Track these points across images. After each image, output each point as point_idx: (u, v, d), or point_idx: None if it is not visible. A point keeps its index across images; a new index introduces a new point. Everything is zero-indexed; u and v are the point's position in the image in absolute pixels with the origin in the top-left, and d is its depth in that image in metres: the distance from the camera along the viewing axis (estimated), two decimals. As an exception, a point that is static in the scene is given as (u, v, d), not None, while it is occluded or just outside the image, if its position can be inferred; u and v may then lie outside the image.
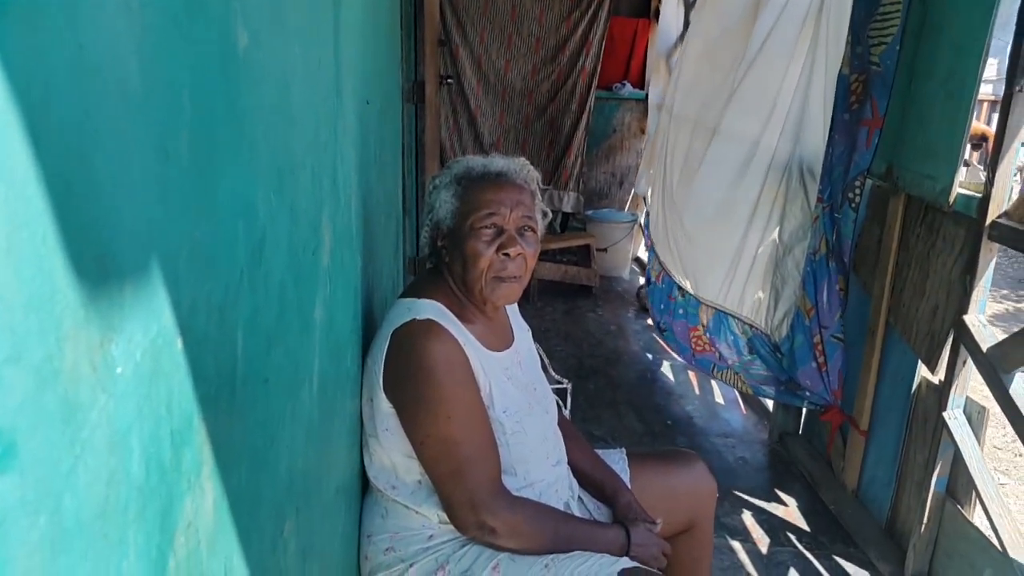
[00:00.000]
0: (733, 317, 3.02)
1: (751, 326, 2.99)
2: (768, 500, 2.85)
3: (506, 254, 1.46)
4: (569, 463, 1.69)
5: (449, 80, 4.86)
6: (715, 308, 3.06)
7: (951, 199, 2.23)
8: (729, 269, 2.99)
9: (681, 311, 3.17)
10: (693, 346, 3.14)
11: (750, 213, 2.90)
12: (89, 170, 0.41)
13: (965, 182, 2.26)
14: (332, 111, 1.14)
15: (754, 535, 2.64)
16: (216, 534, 0.62)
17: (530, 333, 1.74)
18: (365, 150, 1.59)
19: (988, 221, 2.12)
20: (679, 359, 3.53)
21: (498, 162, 1.53)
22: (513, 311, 1.71)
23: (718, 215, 2.98)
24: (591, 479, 1.71)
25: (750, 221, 2.91)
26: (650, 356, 4.21)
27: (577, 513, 1.63)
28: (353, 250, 1.40)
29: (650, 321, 4.06)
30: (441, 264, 1.55)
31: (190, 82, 0.56)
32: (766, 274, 2.94)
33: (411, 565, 1.47)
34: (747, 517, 2.74)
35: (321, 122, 1.06)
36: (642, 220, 4.56)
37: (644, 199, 5.09)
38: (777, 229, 2.89)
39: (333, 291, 1.17)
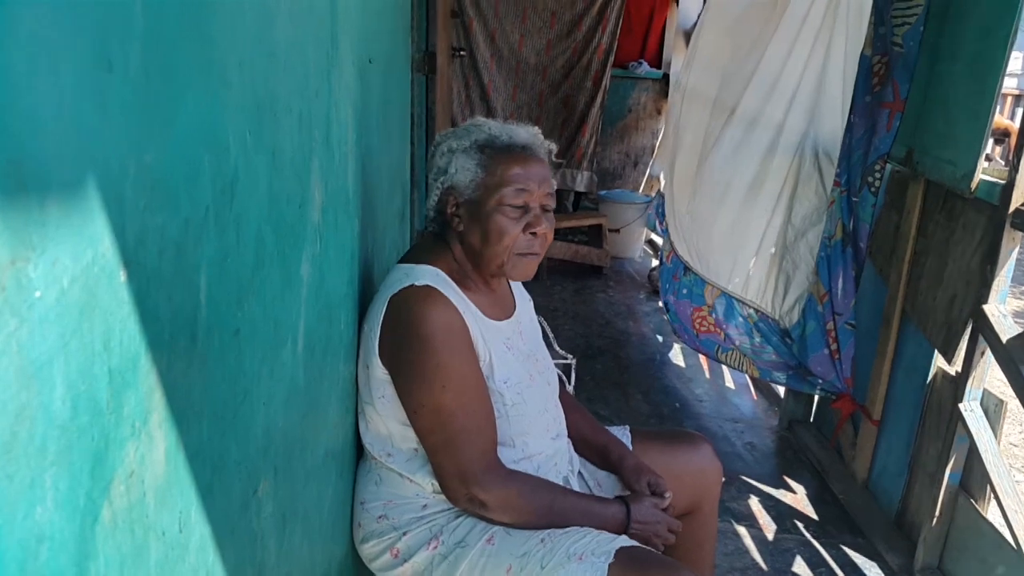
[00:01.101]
0: (739, 301, 2.96)
1: (757, 310, 2.92)
2: (776, 487, 2.80)
3: (533, 233, 1.43)
4: (571, 431, 1.65)
5: (462, 52, 4.77)
6: (721, 290, 2.99)
7: (973, 185, 2.15)
8: (735, 251, 2.92)
9: (685, 291, 3.10)
10: (696, 327, 3.07)
11: (756, 194, 2.83)
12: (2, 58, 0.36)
13: (987, 170, 2.19)
14: (325, 60, 1.09)
15: (760, 521, 2.59)
16: (168, 487, 0.58)
17: (532, 303, 1.69)
18: (366, 111, 1.53)
19: (1011, 209, 2.04)
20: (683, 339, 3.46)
21: (520, 133, 1.47)
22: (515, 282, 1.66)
23: (725, 195, 2.91)
24: (594, 444, 1.67)
25: (756, 202, 2.83)
26: (660, 338, 4.15)
27: (577, 488, 1.59)
28: (349, 212, 1.35)
29: (661, 303, 4.01)
30: (449, 231, 1.48)
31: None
32: (774, 258, 2.87)
33: (404, 534, 1.44)
34: (754, 503, 2.69)
35: (311, 69, 1.00)
36: (655, 202, 4.49)
37: (659, 180, 5.01)
38: (786, 212, 2.81)
39: (324, 250, 1.12)
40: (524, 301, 1.65)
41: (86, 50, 0.44)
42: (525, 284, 1.68)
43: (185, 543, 0.62)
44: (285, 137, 0.87)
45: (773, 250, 2.86)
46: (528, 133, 1.49)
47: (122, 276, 0.49)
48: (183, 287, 0.59)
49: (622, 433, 1.74)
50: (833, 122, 2.65)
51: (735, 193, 2.87)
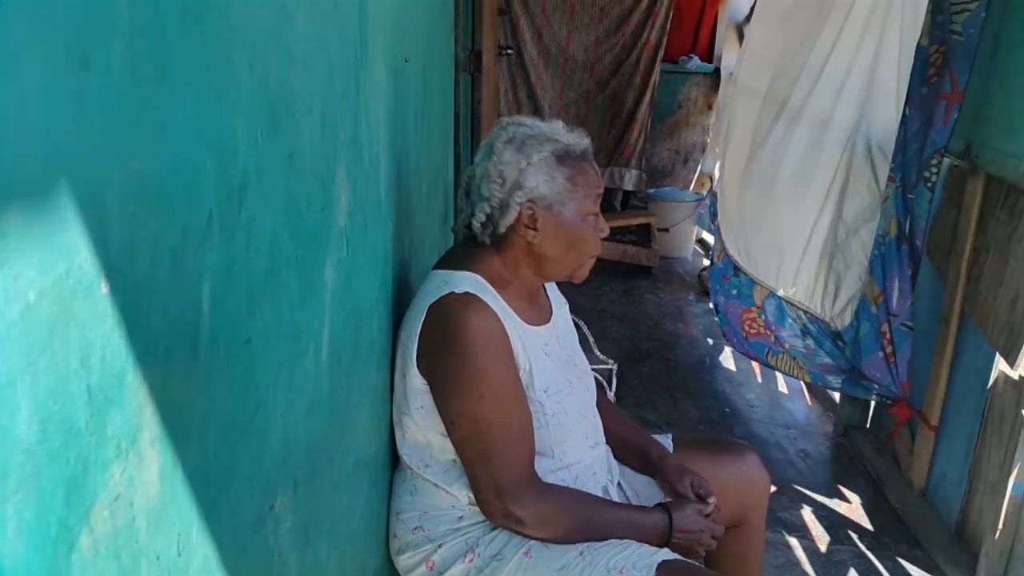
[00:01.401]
0: (788, 302, 2.86)
1: (805, 312, 2.82)
2: (830, 496, 2.70)
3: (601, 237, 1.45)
4: (609, 435, 1.60)
5: (509, 51, 4.71)
6: (770, 290, 2.90)
7: (1038, 180, 2.05)
8: (782, 250, 2.83)
9: (735, 292, 3.01)
10: (746, 329, 2.98)
11: (804, 190, 2.73)
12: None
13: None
14: (353, 59, 1.06)
15: (813, 532, 2.50)
16: (164, 508, 0.55)
17: (567, 307, 1.64)
18: (401, 111, 1.50)
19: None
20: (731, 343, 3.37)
21: (581, 138, 1.44)
22: (551, 284, 1.62)
23: (771, 191, 2.82)
24: (633, 446, 1.63)
25: (804, 198, 2.74)
26: (710, 341, 4.06)
27: (616, 499, 1.54)
28: (381, 215, 1.32)
29: (711, 304, 3.91)
30: (512, 239, 1.40)
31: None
32: (823, 256, 2.77)
33: (440, 546, 1.41)
34: (806, 513, 2.59)
35: (336, 68, 0.97)
36: (706, 200, 4.39)
37: (711, 177, 4.90)
38: (836, 209, 2.70)
39: (351, 254, 1.09)
40: (560, 305, 1.61)
41: (56, 46, 0.41)
42: (567, 286, 1.64)
43: (185, 566, 0.59)
44: (305, 139, 0.84)
45: (820, 248, 2.75)
46: (580, 135, 1.44)
47: (104, 288, 0.46)
48: (181, 297, 0.56)
49: (664, 441, 1.69)
50: (887, 115, 2.54)
51: (782, 189, 2.79)
